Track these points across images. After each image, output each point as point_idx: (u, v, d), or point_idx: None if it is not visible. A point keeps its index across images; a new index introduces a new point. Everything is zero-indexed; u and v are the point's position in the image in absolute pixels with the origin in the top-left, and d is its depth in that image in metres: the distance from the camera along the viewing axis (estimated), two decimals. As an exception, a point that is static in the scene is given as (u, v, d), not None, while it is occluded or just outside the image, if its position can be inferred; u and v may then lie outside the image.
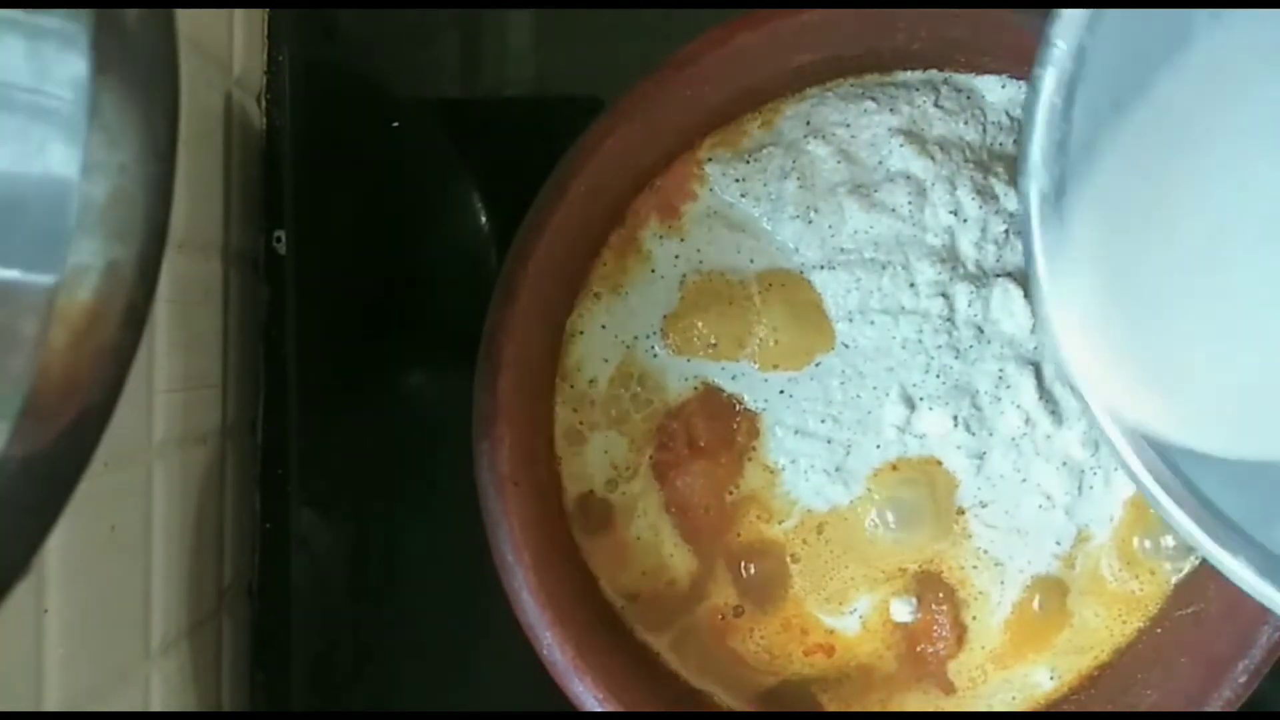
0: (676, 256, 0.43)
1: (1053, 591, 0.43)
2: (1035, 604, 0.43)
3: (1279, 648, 0.39)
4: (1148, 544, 0.42)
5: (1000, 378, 0.42)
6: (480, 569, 0.41)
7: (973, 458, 0.42)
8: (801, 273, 0.42)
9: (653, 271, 0.43)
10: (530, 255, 0.40)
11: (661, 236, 0.43)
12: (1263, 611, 0.39)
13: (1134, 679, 0.42)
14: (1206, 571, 0.42)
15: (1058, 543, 0.42)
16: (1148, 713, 0.41)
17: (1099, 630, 0.43)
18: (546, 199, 0.41)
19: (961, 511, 0.42)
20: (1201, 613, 0.41)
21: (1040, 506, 0.42)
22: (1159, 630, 0.42)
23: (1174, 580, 0.43)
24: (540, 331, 0.42)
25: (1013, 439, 0.42)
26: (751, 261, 0.43)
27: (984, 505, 0.42)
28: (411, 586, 0.48)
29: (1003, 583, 0.43)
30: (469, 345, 0.41)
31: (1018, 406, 0.42)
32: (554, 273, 0.41)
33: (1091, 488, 0.42)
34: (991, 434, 0.42)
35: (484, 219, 0.49)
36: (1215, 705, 0.39)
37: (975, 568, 0.43)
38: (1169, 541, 0.42)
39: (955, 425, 0.41)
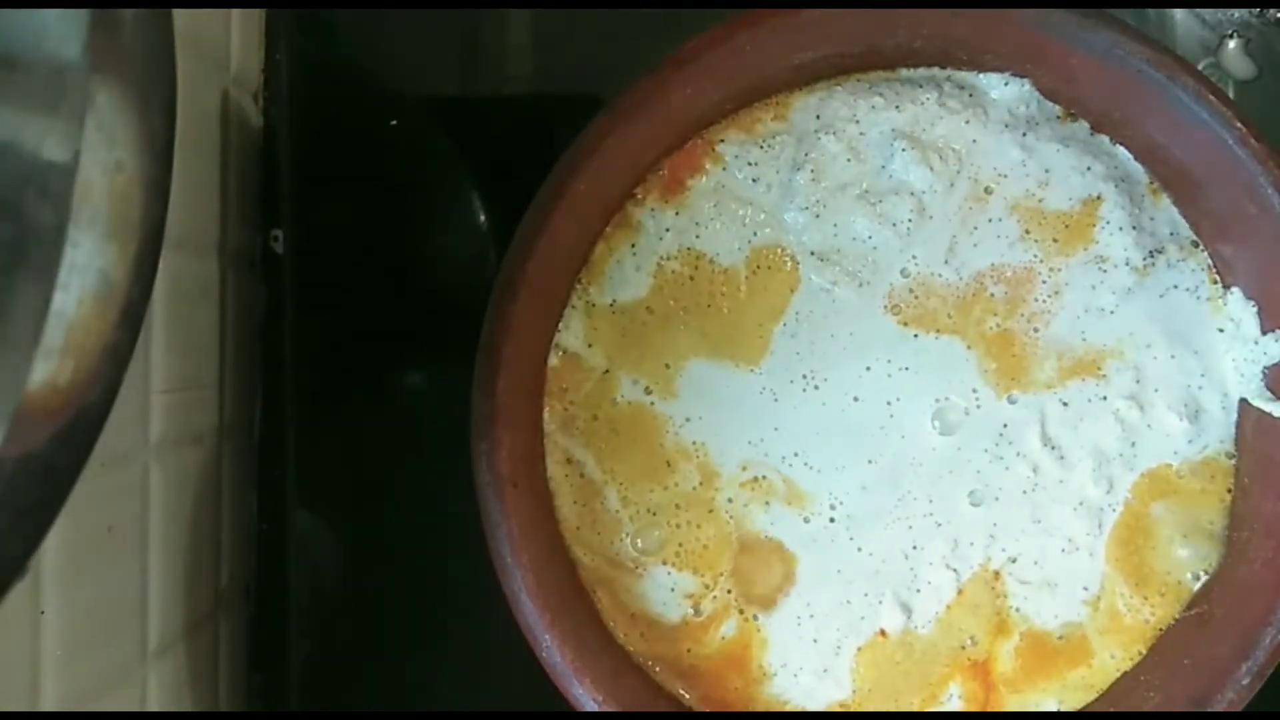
0: (667, 230, 0.43)
1: (1075, 633, 0.43)
2: (1057, 638, 0.43)
3: (1283, 649, 0.39)
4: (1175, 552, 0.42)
5: (1002, 432, 0.42)
6: (478, 570, 0.40)
7: (987, 523, 0.42)
8: (796, 257, 0.42)
9: (632, 247, 0.43)
10: (530, 255, 0.40)
11: (655, 209, 0.43)
12: (1266, 614, 0.39)
13: (1137, 680, 0.42)
14: (1212, 575, 0.42)
15: (1085, 588, 0.42)
16: (1151, 713, 0.41)
17: (1111, 672, 0.42)
18: (546, 198, 0.40)
19: (997, 575, 0.42)
20: (1205, 615, 0.41)
21: (1063, 550, 0.42)
22: (1163, 632, 0.42)
23: (1186, 601, 0.42)
24: (540, 332, 0.42)
25: (1024, 491, 0.42)
26: (755, 235, 0.43)
27: (1014, 560, 0.42)
28: (409, 588, 0.48)
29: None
30: (468, 345, 0.40)
31: (1021, 456, 0.42)
32: (554, 272, 0.41)
33: (1113, 525, 0.42)
34: (998, 497, 0.42)
35: (483, 218, 0.49)
36: (1218, 707, 0.39)
37: (1009, 632, 0.43)
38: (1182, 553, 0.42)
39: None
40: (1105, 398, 0.42)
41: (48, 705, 0.33)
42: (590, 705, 0.40)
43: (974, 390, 0.42)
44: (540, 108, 0.49)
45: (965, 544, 0.42)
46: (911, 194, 0.42)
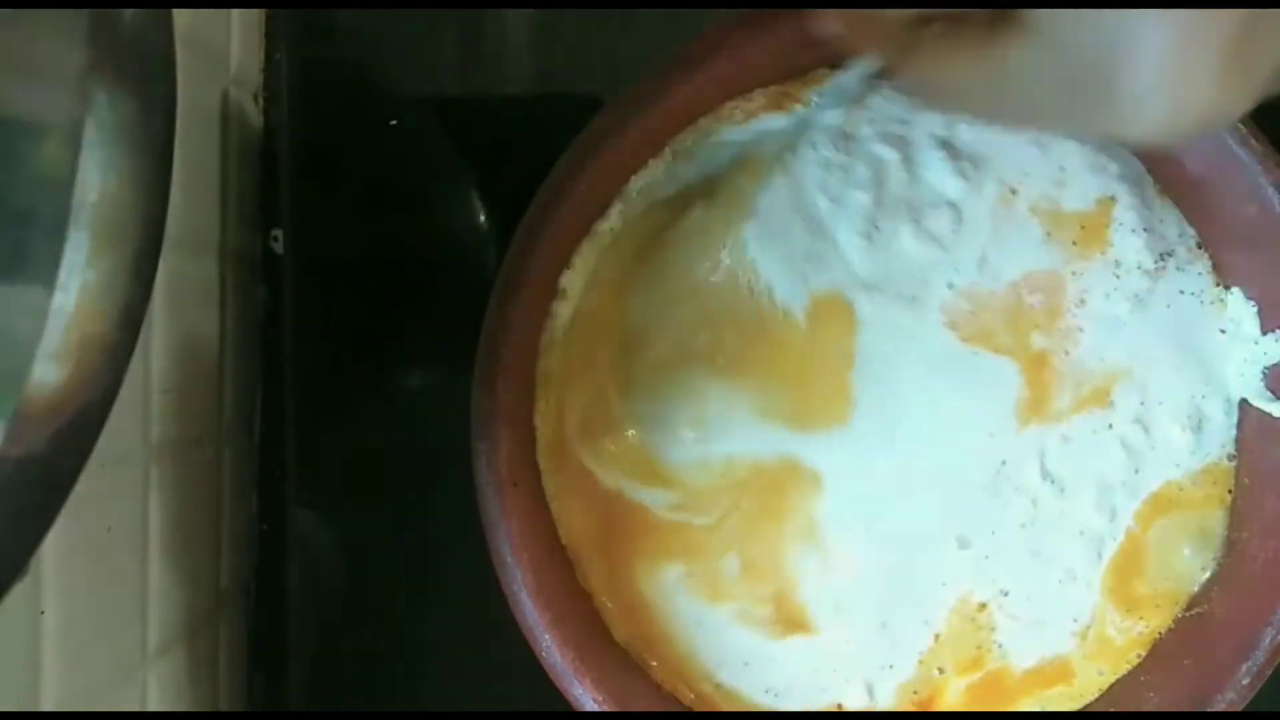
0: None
1: (1058, 664, 0.42)
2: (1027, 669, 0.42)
3: (1283, 649, 0.39)
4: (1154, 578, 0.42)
5: (999, 470, 0.41)
6: (479, 570, 0.40)
7: (980, 558, 0.42)
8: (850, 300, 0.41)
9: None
10: (530, 255, 0.40)
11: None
12: (1266, 614, 0.39)
13: (1137, 680, 0.42)
14: (1212, 576, 0.42)
15: (1075, 620, 0.42)
16: (1151, 713, 0.41)
17: (1097, 684, 0.42)
18: (546, 198, 0.40)
19: (983, 606, 0.42)
20: (1205, 615, 0.41)
21: (1060, 581, 0.41)
22: (1163, 633, 0.42)
23: (1185, 603, 0.42)
24: (540, 332, 0.42)
25: (1021, 525, 0.41)
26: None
27: (1005, 594, 0.42)
28: (409, 588, 0.48)
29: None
30: (468, 345, 0.40)
31: (1018, 490, 0.41)
32: (554, 273, 0.41)
33: (1112, 554, 0.42)
34: (995, 532, 0.41)
35: (483, 218, 0.49)
36: (1218, 707, 0.39)
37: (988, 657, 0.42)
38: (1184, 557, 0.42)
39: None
40: (1111, 425, 0.41)
41: (48, 705, 0.33)
42: (590, 705, 0.40)
43: (996, 428, 0.41)
44: (540, 108, 0.49)
45: (950, 584, 0.42)
46: (949, 204, 0.41)
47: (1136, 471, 0.41)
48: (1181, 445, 0.41)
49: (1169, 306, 0.41)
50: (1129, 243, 0.41)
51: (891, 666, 0.42)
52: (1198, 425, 0.41)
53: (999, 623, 0.42)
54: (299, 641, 0.48)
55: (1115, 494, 0.41)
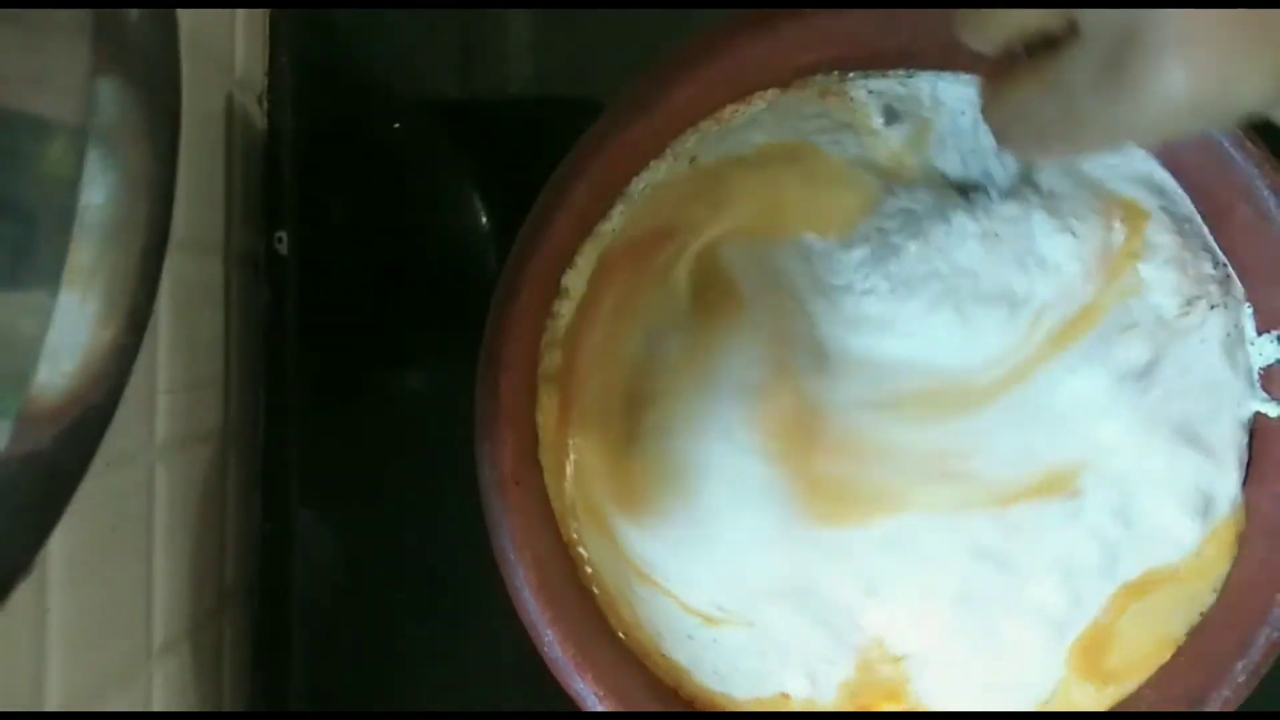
0: None
1: None
2: None
3: (1278, 647, 0.39)
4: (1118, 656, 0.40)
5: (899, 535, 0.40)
6: (481, 569, 0.40)
7: (891, 612, 0.40)
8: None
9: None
10: (531, 255, 0.40)
11: None
12: (1262, 612, 0.39)
13: (1134, 679, 0.42)
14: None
15: (1034, 694, 0.40)
16: (1149, 713, 0.41)
17: None
18: (547, 199, 0.41)
19: (896, 659, 0.41)
20: (1202, 614, 0.41)
21: (1011, 656, 0.40)
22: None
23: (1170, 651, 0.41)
24: (542, 331, 0.42)
25: (957, 596, 0.40)
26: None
27: (935, 652, 0.40)
28: (412, 587, 0.48)
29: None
30: (469, 345, 0.41)
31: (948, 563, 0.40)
32: (555, 273, 0.41)
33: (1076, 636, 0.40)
34: (907, 590, 0.40)
35: (484, 219, 0.49)
36: (1214, 705, 0.39)
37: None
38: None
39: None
40: (1076, 515, 0.40)
41: (52, 703, 0.33)
42: (591, 699, 0.40)
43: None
44: (540, 109, 0.49)
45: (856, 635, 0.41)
46: (1026, 303, 0.39)
47: (1114, 560, 0.40)
48: (1183, 530, 0.40)
49: (1182, 374, 0.40)
50: (1163, 277, 0.40)
51: (834, 663, 0.41)
52: (1204, 509, 0.40)
53: (914, 675, 0.41)
54: (302, 641, 0.48)
55: (1085, 580, 0.40)
